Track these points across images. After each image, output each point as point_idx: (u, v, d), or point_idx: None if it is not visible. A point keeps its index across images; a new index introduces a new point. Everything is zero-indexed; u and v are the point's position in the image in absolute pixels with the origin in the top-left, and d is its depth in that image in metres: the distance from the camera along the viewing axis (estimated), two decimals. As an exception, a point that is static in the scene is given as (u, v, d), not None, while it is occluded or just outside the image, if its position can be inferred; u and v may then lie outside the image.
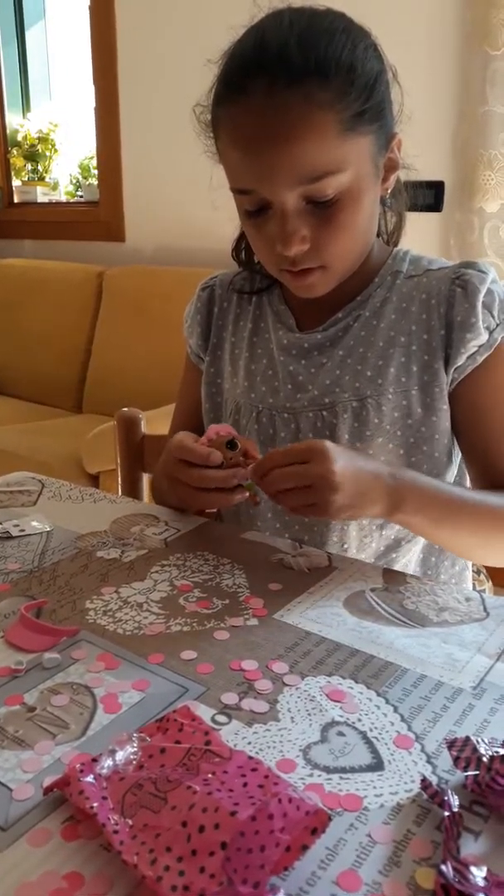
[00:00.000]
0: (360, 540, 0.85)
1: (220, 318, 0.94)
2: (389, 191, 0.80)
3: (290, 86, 0.66)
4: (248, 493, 0.71)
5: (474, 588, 0.97)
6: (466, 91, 2.00)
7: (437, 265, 0.85)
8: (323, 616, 0.64)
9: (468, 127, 2.00)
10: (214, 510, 0.93)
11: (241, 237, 0.91)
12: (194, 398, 0.96)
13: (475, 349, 0.79)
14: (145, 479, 1.14)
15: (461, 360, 0.79)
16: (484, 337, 0.79)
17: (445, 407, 0.81)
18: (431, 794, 0.43)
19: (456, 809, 0.41)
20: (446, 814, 0.41)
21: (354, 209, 0.73)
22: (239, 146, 0.71)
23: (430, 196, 2.12)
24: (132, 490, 1.13)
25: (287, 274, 0.78)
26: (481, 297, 0.79)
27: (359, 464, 0.69)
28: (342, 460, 0.66)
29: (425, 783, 0.44)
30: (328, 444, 0.66)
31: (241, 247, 0.92)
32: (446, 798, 0.42)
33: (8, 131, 3.38)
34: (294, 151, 0.68)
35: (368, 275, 0.85)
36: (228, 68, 0.71)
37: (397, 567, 0.85)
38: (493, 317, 0.79)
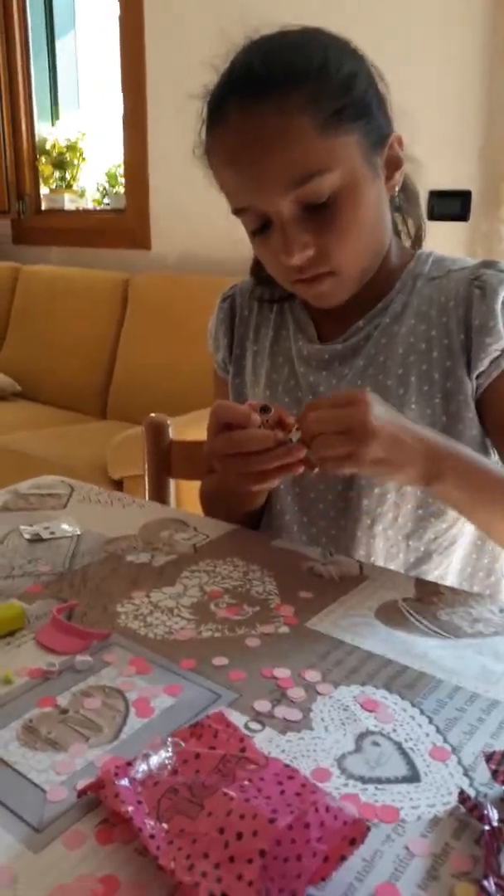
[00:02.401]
0: (386, 551, 0.84)
1: (241, 326, 0.94)
2: (397, 189, 0.79)
3: (260, 99, 0.68)
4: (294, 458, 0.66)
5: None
6: (493, 103, 1.99)
7: (460, 265, 0.83)
8: (355, 625, 0.64)
9: (495, 139, 2.00)
10: (268, 486, 0.86)
11: (257, 259, 0.90)
12: None
13: (497, 353, 0.77)
14: (172, 484, 1.14)
15: (484, 366, 0.77)
16: None
17: (471, 415, 0.79)
18: (470, 808, 0.42)
19: (496, 824, 0.41)
20: (486, 828, 0.40)
21: (353, 208, 0.72)
22: (227, 166, 0.73)
23: (456, 206, 2.12)
24: (159, 495, 1.13)
25: (299, 284, 0.77)
26: (500, 300, 0.77)
27: (402, 421, 0.66)
28: (384, 411, 0.63)
29: (463, 796, 0.43)
30: (371, 393, 0.64)
31: (258, 268, 0.91)
32: (486, 812, 0.41)
33: (37, 139, 3.43)
34: (276, 158, 0.69)
35: (389, 280, 0.84)
36: (210, 99, 0.74)
37: (431, 579, 0.84)
38: None
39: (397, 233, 0.87)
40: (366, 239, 0.76)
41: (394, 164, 0.77)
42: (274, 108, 0.68)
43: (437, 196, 2.09)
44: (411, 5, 2.09)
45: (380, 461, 0.63)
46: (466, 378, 0.78)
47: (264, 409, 0.68)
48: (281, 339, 0.90)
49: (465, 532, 0.86)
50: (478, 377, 0.78)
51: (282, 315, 0.91)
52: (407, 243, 0.89)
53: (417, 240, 0.89)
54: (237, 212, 0.76)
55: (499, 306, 0.77)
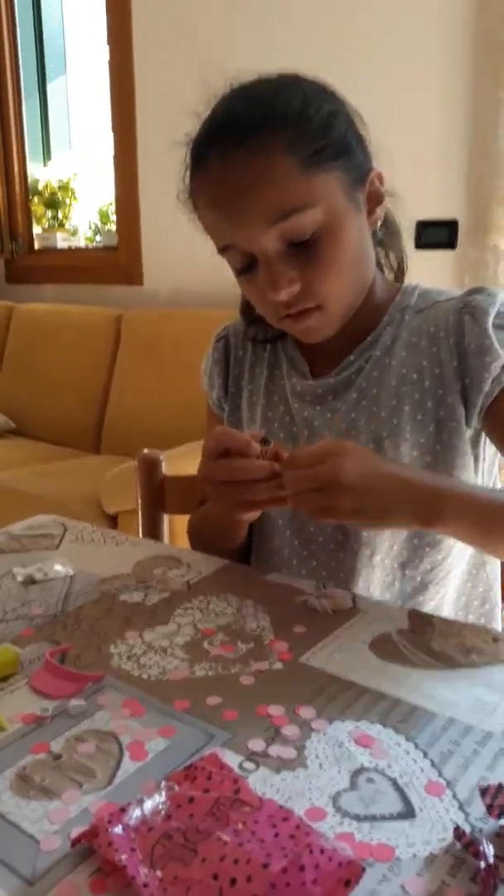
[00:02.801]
0: (383, 580, 0.84)
1: (236, 366, 0.95)
2: (379, 223, 0.81)
3: (243, 142, 0.70)
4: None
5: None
6: (479, 132, 2.03)
7: (446, 296, 0.84)
8: (349, 659, 0.64)
9: (481, 166, 2.04)
10: (253, 517, 0.86)
11: (246, 302, 0.92)
12: None
13: (499, 370, 0.76)
14: (166, 519, 1.15)
15: (487, 386, 0.77)
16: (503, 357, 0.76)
17: (462, 442, 0.80)
18: (466, 844, 0.42)
19: (492, 860, 0.40)
20: (482, 864, 0.40)
21: (336, 244, 0.74)
22: (211, 206, 0.75)
23: (444, 234, 2.15)
24: (153, 531, 1.13)
25: (287, 320, 0.78)
26: (491, 319, 0.77)
27: (381, 468, 0.67)
28: (358, 462, 0.64)
29: (459, 832, 0.43)
30: (346, 444, 0.66)
31: (247, 307, 0.93)
32: (481, 848, 0.41)
33: (29, 180, 3.49)
34: (259, 195, 0.70)
35: (377, 313, 0.85)
36: (192, 147, 0.76)
37: (427, 609, 0.84)
38: None
39: (380, 266, 0.88)
40: (350, 273, 0.77)
41: (375, 200, 0.79)
42: (255, 151, 0.70)
43: (424, 225, 2.13)
44: (397, 39, 2.14)
45: (357, 512, 0.65)
46: (459, 405, 0.79)
47: (265, 441, 0.69)
48: (275, 377, 0.91)
49: (460, 562, 0.86)
50: (483, 397, 0.78)
51: (275, 354, 0.93)
52: (390, 276, 0.90)
53: (400, 272, 0.90)
54: (222, 251, 0.77)
55: (491, 325, 0.77)
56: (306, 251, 0.73)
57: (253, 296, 0.80)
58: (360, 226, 0.77)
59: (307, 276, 0.74)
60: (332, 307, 0.78)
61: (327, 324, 0.79)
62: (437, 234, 2.14)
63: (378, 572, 0.83)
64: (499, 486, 0.90)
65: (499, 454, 0.86)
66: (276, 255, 0.73)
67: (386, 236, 0.87)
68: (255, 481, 0.68)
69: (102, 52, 2.91)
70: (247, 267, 0.76)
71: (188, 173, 0.77)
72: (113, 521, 2.04)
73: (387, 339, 0.84)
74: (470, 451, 0.81)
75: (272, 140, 0.70)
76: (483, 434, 0.81)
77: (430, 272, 2.14)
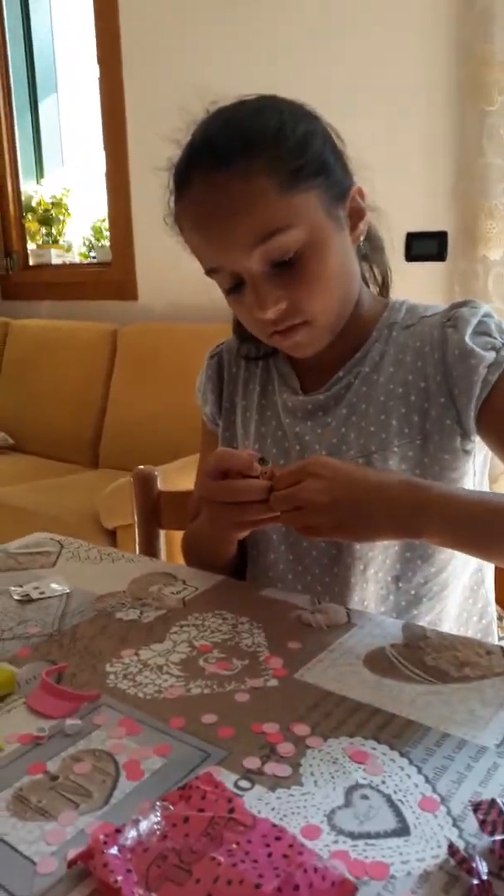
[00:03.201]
0: (377, 594, 0.84)
1: (230, 383, 0.96)
2: (362, 238, 0.82)
3: (221, 167, 0.72)
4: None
5: (500, 637, 0.96)
6: (465, 145, 2.05)
7: (432, 311, 0.85)
8: (343, 675, 0.64)
9: (468, 179, 2.05)
10: (250, 530, 0.87)
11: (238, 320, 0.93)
12: None
13: (485, 371, 0.76)
14: (162, 535, 1.15)
15: (477, 389, 0.77)
16: (491, 356, 0.76)
17: (448, 456, 0.80)
18: (459, 861, 0.42)
19: (485, 877, 0.41)
20: (475, 882, 0.40)
21: (320, 261, 0.75)
22: (195, 230, 0.77)
23: (433, 246, 2.17)
24: (149, 548, 1.14)
25: (276, 336, 0.80)
26: (471, 327, 0.78)
27: (356, 479, 0.69)
28: (328, 479, 0.67)
29: (453, 849, 0.43)
30: (319, 461, 0.69)
31: (238, 323, 0.93)
32: (474, 865, 0.41)
33: (23, 197, 3.51)
34: (240, 219, 0.72)
35: (365, 329, 0.86)
36: (175, 173, 0.78)
37: (424, 624, 0.84)
38: (494, 338, 0.78)
39: (365, 281, 0.89)
40: (335, 288, 0.78)
41: (357, 215, 0.80)
42: (234, 174, 0.71)
43: (414, 237, 2.14)
44: (382, 55, 2.17)
45: (337, 527, 0.67)
46: (445, 418, 0.80)
47: (262, 461, 0.72)
48: (268, 393, 0.92)
49: (458, 577, 0.86)
50: (475, 402, 0.77)
51: (267, 370, 0.94)
52: (374, 290, 0.91)
53: (384, 286, 0.92)
54: (209, 272, 0.79)
55: (471, 331, 0.78)
56: (290, 269, 0.74)
57: (242, 314, 0.81)
58: (343, 242, 0.78)
59: (293, 293, 0.75)
60: (320, 322, 0.79)
61: (316, 339, 0.80)
62: (427, 246, 2.15)
63: (372, 586, 0.84)
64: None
65: (487, 467, 0.87)
66: (261, 275, 0.74)
67: (370, 251, 0.89)
68: (255, 501, 0.70)
69: (93, 70, 2.94)
70: (234, 287, 0.77)
71: (172, 198, 0.79)
72: (112, 535, 2.04)
73: (375, 354, 0.85)
74: (461, 466, 0.82)
75: (250, 163, 0.71)
76: (472, 450, 0.82)
77: (420, 284, 2.16)
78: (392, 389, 0.83)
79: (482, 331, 0.79)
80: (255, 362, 0.95)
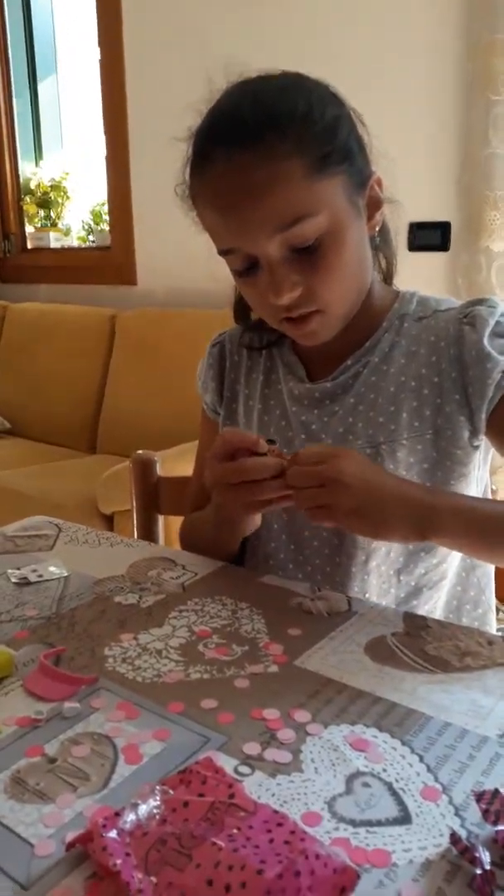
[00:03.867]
0: (379, 587, 0.84)
1: (231, 372, 0.95)
2: (377, 228, 0.81)
3: (249, 145, 0.69)
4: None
5: (498, 628, 0.96)
6: (470, 135, 2.04)
7: (446, 306, 0.84)
8: (344, 662, 0.64)
9: (473, 169, 2.04)
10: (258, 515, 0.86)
11: (239, 299, 0.92)
12: None
13: (499, 376, 0.76)
14: (161, 521, 1.14)
15: (490, 391, 0.77)
16: (503, 362, 0.76)
17: (460, 452, 0.80)
18: (461, 850, 0.42)
19: (488, 867, 0.40)
20: (478, 871, 0.40)
21: (339, 249, 0.74)
22: (214, 209, 0.74)
23: (436, 237, 2.15)
24: (148, 533, 1.13)
25: (286, 323, 0.78)
26: (490, 328, 0.78)
27: (382, 478, 0.69)
28: (360, 466, 0.67)
29: (455, 838, 0.43)
30: (350, 450, 0.68)
31: (240, 308, 0.93)
32: (477, 854, 0.41)
33: (21, 179, 3.47)
34: (264, 202, 0.70)
35: (375, 319, 0.85)
36: (195, 143, 0.75)
37: (420, 613, 0.84)
38: None
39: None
40: (350, 278, 0.77)
41: (374, 205, 0.79)
42: (261, 155, 0.69)
43: (417, 227, 2.13)
44: (388, 43, 2.15)
45: (354, 512, 0.66)
46: (458, 415, 0.79)
47: (270, 441, 0.71)
48: (271, 382, 0.91)
49: (452, 565, 0.86)
50: (487, 403, 0.78)
51: (271, 359, 0.92)
52: (379, 277, 0.90)
53: (389, 274, 0.90)
54: (223, 252, 0.77)
55: (489, 333, 0.78)
56: (309, 256, 0.73)
57: (252, 297, 0.80)
58: (360, 231, 0.77)
59: (309, 280, 0.74)
60: (333, 311, 0.77)
61: (327, 327, 0.79)
62: (430, 236, 2.14)
63: (373, 578, 0.83)
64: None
65: (488, 459, 0.87)
66: (279, 259, 0.73)
67: (379, 240, 0.87)
68: (266, 479, 0.69)
69: (93, 52, 2.91)
70: (248, 269, 0.75)
71: (188, 169, 0.76)
72: (109, 520, 2.04)
73: (385, 345, 0.84)
74: (470, 461, 0.82)
75: (278, 145, 0.69)
76: (481, 445, 0.82)
77: (423, 274, 2.15)
78: (404, 381, 0.82)
79: (500, 332, 0.78)
80: (258, 351, 0.93)
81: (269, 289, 0.74)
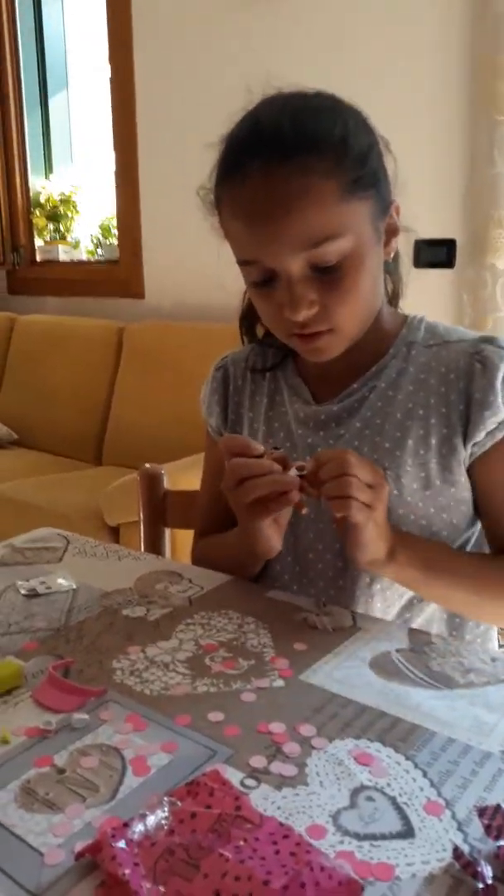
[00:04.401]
0: (384, 610, 0.84)
1: (235, 395, 0.96)
2: (392, 255, 0.82)
3: (285, 161, 0.70)
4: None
5: (500, 646, 0.96)
6: (475, 154, 2.06)
7: (456, 336, 0.86)
8: (349, 677, 0.64)
9: (478, 188, 2.06)
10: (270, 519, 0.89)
11: (246, 313, 0.93)
12: (220, 470, 0.97)
13: (494, 426, 0.80)
14: (167, 534, 1.15)
15: (480, 437, 0.80)
16: (503, 414, 0.79)
17: (463, 479, 0.82)
18: (464, 865, 0.43)
19: (490, 881, 0.41)
20: (480, 886, 0.41)
21: (358, 272, 0.75)
22: (242, 219, 0.75)
23: (442, 254, 2.17)
24: (154, 546, 1.14)
25: (296, 338, 0.79)
26: (500, 376, 0.80)
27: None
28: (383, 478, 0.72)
29: (458, 853, 0.44)
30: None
31: (247, 321, 0.94)
32: (479, 869, 0.42)
33: (31, 193, 3.51)
34: (294, 219, 0.71)
35: (382, 343, 0.86)
36: (227, 151, 0.76)
37: (417, 625, 0.85)
38: None
39: None
40: (365, 301, 0.79)
41: (392, 231, 0.80)
42: (298, 171, 0.70)
43: (422, 244, 2.15)
44: (394, 62, 2.17)
45: (367, 506, 0.69)
46: (461, 446, 0.81)
47: (275, 448, 0.74)
48: (276, 404, 0.92)
49: None
50: (473, 446, 0.81)
51: (275, 382, 0.93)
52: (385, 300, 0.91)
53: (395, 298, 0.92)
54: (242, 263, 0.78)
55: (499, 382, 0.79)
56: (329, 276, 0.74)
57: (265, 310, 0.80)
58: (378, 256, 0.79)
59: (325, 300, 0.75)
60: (344, 331, 0.79)
61: (336, 346, 0.80)
62: (436, 253, 2.16)
63: (377, 601, 0.84)
64: None
65: None
66: (299, 277, 0.74)
67: (390, 266, 0.89)
68: (256, 476, 0.70)
69: (104, 68, 2.95)
70: (265, 281, 0.76)
71: (215, 174, 0.77)
72: (115, 532, 2.05)
73: (392, 371, 0.85)
74: (469, 490, 0.84)
75: (315, 164, 0.70)
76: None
77: (429, 290, 2.17)
78: (411, 409, 0.83)
79: None
80: (261, 374, 0.94)
81: (287, 304, 0.75)
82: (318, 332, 0.77)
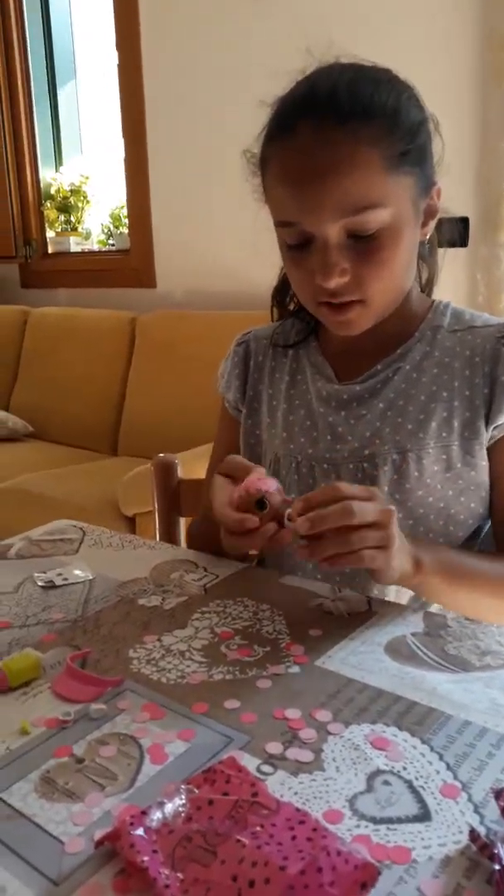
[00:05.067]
0: (397, 589, 0.84)
1: (255, 371, 0.96)
2: (428, 237, 0.82)
3: (337, 125, 0.70)
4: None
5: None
6: (487, 129, 2.03)
7: (481, 321, 0.86)
8: (364, 662, 0.64)
9: (490, 164, 2.03)
10: (255, 553, 0.92)
11: (281, 284, 0.94)
12: (232, 447, 0.98)
13: None
14: (182, 523, 1.16)
15: (500, 419, 0.81)
16: None
17: (484, 463, 0.82)
18: (480, 847, 0.43)
19: (506, 862, 0.41)
20: (497, 867, 0.41)
21: (394, 246, 0.74)
22: (286, 180, 0.74)
23: (455, 231, 2.14)
24: (169, 535, 1.15)
25: (325, 308, 0.79)
26: None
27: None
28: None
29: (474, 835, 0.44)
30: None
31: (280, 293, 0.94)
32: (496, 851, 0.42)
33: (41, 185, 3.51)
34: (339, 183, 0.71)
35: (408, 326, 0.86)
36: (280, 110, 0.76)
37: (431, 609, 0.84)
38: None
39: None
40: (397, 276, 0.78)
41: (431, 213, 0.80)
42: (348, 135, 0.70)
43: (436, 223, 2.12)
44: (405, 37, 2.14)
45: (380, 547, 0.65)
46: (483, 429, 0.82)
47: (260, 506, 0.68)
48: (297, 382, 0.92)
49: None
50: (494, 429, 0.82)
51: (297, 360, 0.93)
52: (417, 288, 0.91)
53: (429, 285, 0.91)
54: (280, 224, 0.77)
55: None
56: (364, 245, 0.74)
57: (296, 274, 0.80)
58: (415, 235, 0.78)
59: (358, 270, 0.75)
60: (374, 305, 0.78)
61: (364, 319, 0.79)
62: (449, 232, 2.13)
63: (391, 594, 0.84)
64: None
65: None
66: (336, 243, 0.74)
67: (425, 251, 0.88)
68: (249, 531, 0.68)
69: (112, 57, 2.93)
70: (300, 245, 0.76)
71: (265, 134, 0.77)
72: (131, 522, 2.06)
73: (416, 354, 0.85)
74: (483, 462, 0.83)
75: (365, 130, 0.70)
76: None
77: (443, 269, 2.14)
78: (435, 392, 0.83)
79: None
80: (283, 352, 0.94)
81: (319, 270, 0.74)
82: (347, 304, 0.77)
